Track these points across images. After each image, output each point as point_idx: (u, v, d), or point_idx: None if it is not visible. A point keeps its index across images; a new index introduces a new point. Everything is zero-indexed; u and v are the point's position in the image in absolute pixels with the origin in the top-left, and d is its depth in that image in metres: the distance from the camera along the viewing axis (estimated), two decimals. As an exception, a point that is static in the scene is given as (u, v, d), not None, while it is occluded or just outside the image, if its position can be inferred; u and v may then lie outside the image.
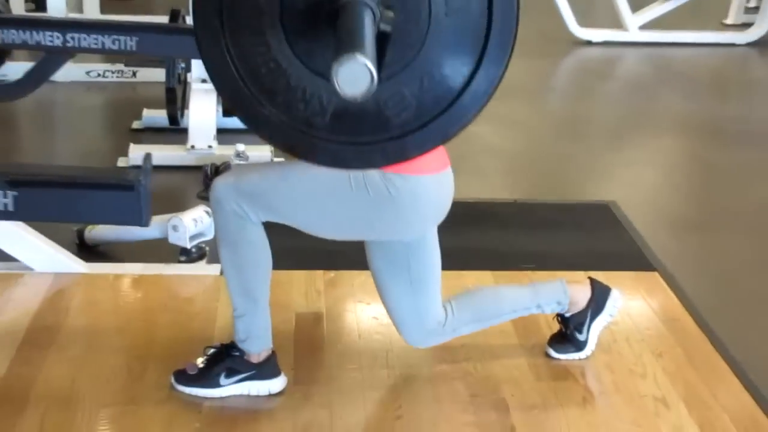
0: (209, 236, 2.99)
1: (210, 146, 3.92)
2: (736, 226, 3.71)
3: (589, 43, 6.31)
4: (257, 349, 2.32)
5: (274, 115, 1.53)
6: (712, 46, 6.27)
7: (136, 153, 3.90)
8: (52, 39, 2.63)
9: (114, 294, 2.85)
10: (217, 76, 1.51)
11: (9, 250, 2.82)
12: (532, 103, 5.25)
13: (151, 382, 2.41)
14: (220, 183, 2.17)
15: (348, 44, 1.29)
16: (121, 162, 3.92)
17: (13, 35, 2.63)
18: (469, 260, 3.07)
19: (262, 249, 2.24)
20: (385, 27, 1.45)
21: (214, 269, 2.96)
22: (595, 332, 2.52)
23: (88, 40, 2.65)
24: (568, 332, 2.53)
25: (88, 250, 3.16)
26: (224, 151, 3.89)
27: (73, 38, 2.63)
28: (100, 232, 3.18)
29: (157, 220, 3.04)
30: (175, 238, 2.98)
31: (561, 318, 2.53)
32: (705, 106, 5.34)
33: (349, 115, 1.53)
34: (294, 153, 1.61)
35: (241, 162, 3.59)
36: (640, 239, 3.34)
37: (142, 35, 2.71)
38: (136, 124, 4.33)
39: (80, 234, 3.21)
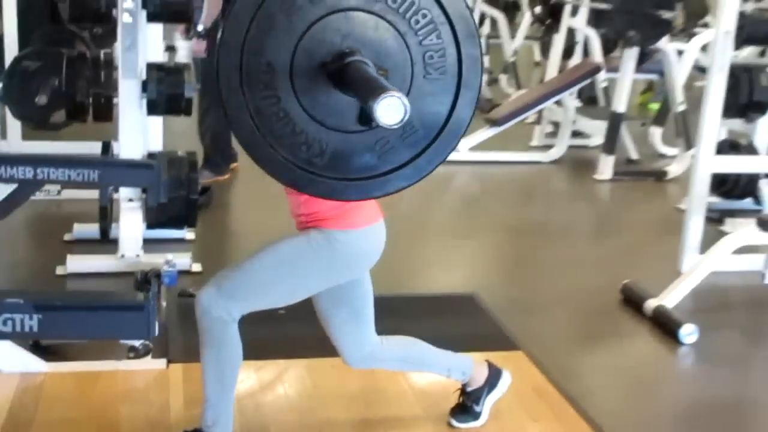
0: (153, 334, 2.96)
1: (137, 255, 3.86)
2: (566, 305, 3.91)
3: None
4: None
5: (281, 156, 1.63)
6: (524, 164, 6.62)
7: (73, 263, 3.81)
8: (24, 173, 2.59)
9: (77, 389, 2.73)
10: (236, 124, 1.59)
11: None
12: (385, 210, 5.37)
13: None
14: (204, 295, 2.19)
15: (377, 86, 1.40)
16: (60, 270, 3.80)
17: (-12, 170, 2.58)
18: None
19: (238, 346, 2.25)
20: None
21: (160, 363, 2.90)
22: (488, 405, 2.60)
23: (56, 173, 2.63)
24: (468, 404, 2.59)
25: (42, 350, 3.06)
26: (150, 259, 3.84)
27: (42, 172, 2.60)
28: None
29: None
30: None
31: (463, 392, 2.60)
32: (519, 212, 5.62)
33: (344, 157, 1.65)
34: (296, 187, 1.73)
35: (170, 269, 3.56)
36: (503, 324, 3.44)
37: (103, 169, 2.71)
38: (67, 237, 4.21)
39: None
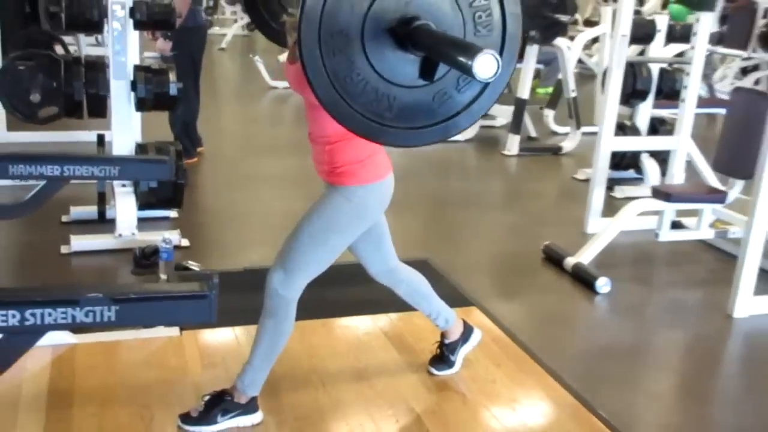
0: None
1: (133, 234, 3.72)
2: (500, 265, 3.97)
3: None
4: (252, 393, 2.27)
5: (357, 111, 1.58)
6: (442, 143, 6.57)
7: (76, 242, 3.64)
8: (53, 170, 2.46)
9: (104, 358, 2.63)
10: (317, 85, 1.53)
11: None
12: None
13: (160, 426, 2.28)
14: (275, 277, 2.18)
15: (467, 46, 1.40)
16: (64, 249, 3.62)
17: (21, 169, 2.44)
18: (335, 310, 3.09)
19: (293, 321, 2.24)
20: None
21: (174, 331, 2.80)
22: (461, 356, 2.63)
23: (81, 170, 2.50)
24: (445, 354, 2.61)
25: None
26: (144, 237, 3.72)
27: (69, 169, 2.47)
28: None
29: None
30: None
31: (441, 344, 2.61)
32: (444, 185, 5.61)
33: (408, 108, 1.62)
34: (369, 137, 1.67)
35: (167, 246, 3.44)
36: (457, 284, 3.45)
37: (122, 165, 2.58)
38: (65, 218, 4.00)
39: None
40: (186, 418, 2.25)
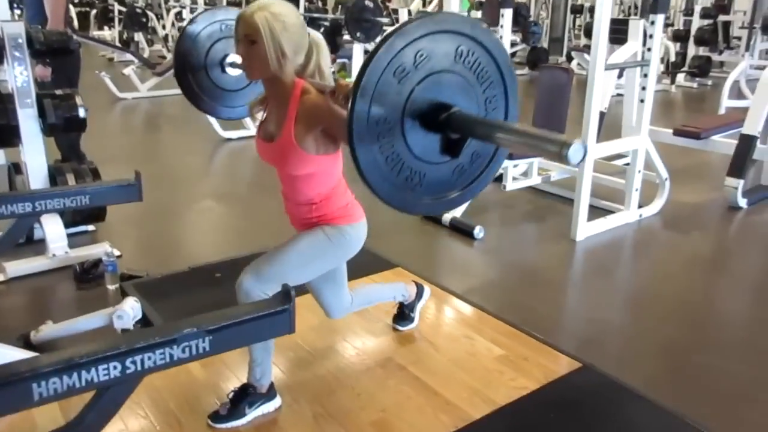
0: (139, 317, 2.48)
1: (66, 252, 3.18)
2: (394, 230, 3.88)
3: (229, 139, 6.01)
4: (267, 382, 2.03)
5: (394, 186, 1.44)
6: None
7: (12, 268, 3.03)
8: (24, 208, 2.00)
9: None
10: (367, 171, 1.37)
11: None
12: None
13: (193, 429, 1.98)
14: (246, 281, 1.85)
15: (550, 137, 1.26)
16: (0, 276, 3.03)
17: (-9, 211, 1.96)
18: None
19: None
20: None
21: (156, 337, 2.45)
22: (418, 311, 2.56)
23: (53, 203, 2.06)
24: (405, 312, 2.52)
25: (34, 349, 2.44)
26: (78, 253, 3.19)
27: (41, 204, 2.03)
28: (48, 332, 2.45)
29: (99, 314, 2.46)
30: (120, 324, 2.39)
31: (402, 305, 2.52)
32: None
33: (434, 182, 1.51)
34: (405, 210, 1.53)
35: (111, 259, 2.98)
36: (375, 250, 3.28)
37: (93, 193, 2.16)
38: (-16, 248, 3.33)
39: (26, 338, 2.46)
40: (216, 417, 1.98)
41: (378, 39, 5.93)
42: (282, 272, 1.86)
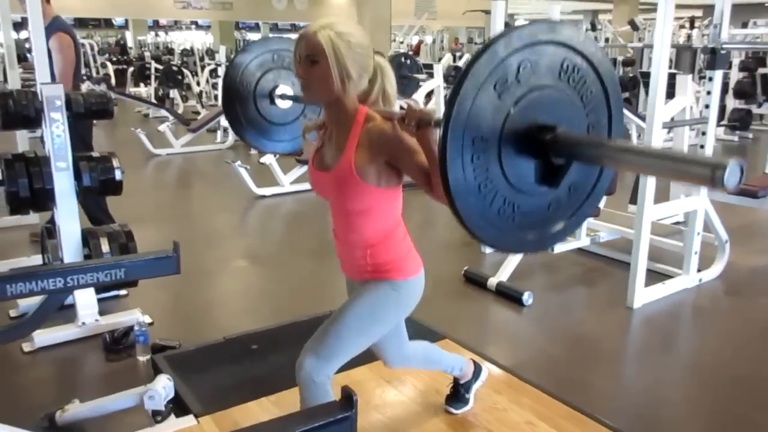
0: (171, 396, 2.30)
1: (96, 319, 3.04)
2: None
3: (263, 197, 5.92)
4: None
5: (485, 218, 1.25)
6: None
7: (39, 337, 2.89)
8: (56, 283, 1.86)
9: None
10: (456, 193, 1.19)
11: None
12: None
13: None
14: (306, 363, 1.66)
15: (700, 157, 1.05)
16: (27, 347, 2.87)
17: (21, 287, 1.82)
18: None
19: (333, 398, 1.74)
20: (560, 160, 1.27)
21: (189, 420, 2.25)
22: (473, 393, 2.33)
23: (86, 278, 1.91)
24: (461, 393, 2.30)
25: (59, 431, 2.27)
26: (108, 321, 3.05)
27: (72, 279, 1.88)
28: (74, 412, 2.29)
29: (129, 393, 2.29)
30: (151, 405, 2.23)
31: (456, 384, 2.30)
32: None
33: (528, 216, 1.31)
34: (495, 246, 1.36)
35: (143, 329, 2.83)
36: (418, 319, 3.11)
37: (128, 266, 2.02)
38: (13, 312, 3.21)
39: (51, 418, 2.29)
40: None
41: (414, 96, 5.87)
42: (343, 346, 1.69)
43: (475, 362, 2.34)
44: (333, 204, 1.71)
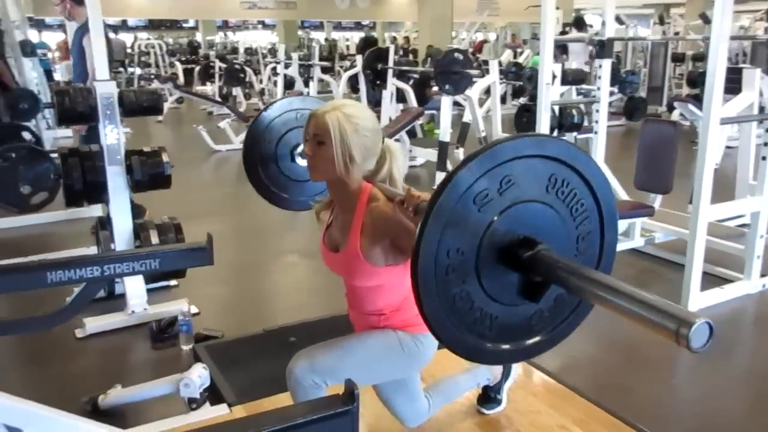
0: (207, 384, 2.35)
1: (145, 308, 3.15)
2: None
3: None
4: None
5: (460, 331, 1.17)
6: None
7: (90, 324, 3.02)
8: (93, 272, 1.92)
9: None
10: (428, 310, 1.13)
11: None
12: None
13: None
14: (297, 368, 1.66)
15: (669, 307, 0.97)
16: (79, 333, 3.01)
17: (60, 275, 1.89)
18: None
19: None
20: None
21: (222, 409, 2.30)
22: (505, 392, 2.28)
23: (121, 267, 1.97)
24: (491, 395, 2.24)
25: (100, 414, 2.36)
26: (155, 310, 3.15)
27: (109, 268, 1.95)
28: (116, 397, 2.38)
29: (167, 380, 2.36)
30: (187, 392, 2.29)
31: (486, 385, 2.25)
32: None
33: (508, 327, 1.22)
34: (471, 358, 1.24)
35: (186, 318, 2.90)
36: None
37: (163, 257, 2.06)
38: (70, 299, 3.34)
39: (94, 402, 2.39)
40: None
41: (467, 92, 5.79)
42: (339, 368, 1.67)
43: (504, 364, 2.28)
44: (345, 281, 1.75)
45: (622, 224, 3.90)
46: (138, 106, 3.14)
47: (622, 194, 4.40)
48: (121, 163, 3.10)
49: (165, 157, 3.21)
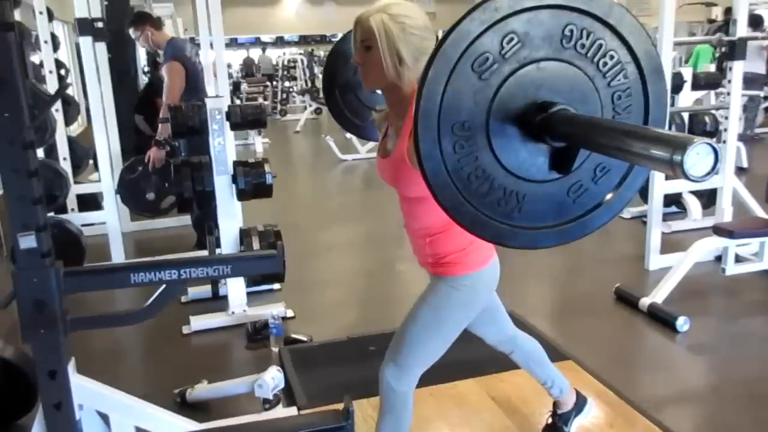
0: (281, 386, 2.45)
1: (244, 310, 3.35)
2: (571, 310, 3.44)
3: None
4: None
5: (483, 214, 1.10)
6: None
7: (195, 322, 3.28)
8: (171, 274, 2.09)
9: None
10: (437, 188, 1.07)
11: (143, 425, 2.16)
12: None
13: None
14: (387, 373, 1.67)
15: (668, 135, 0.87)
16: (185, 330, 3.28)
17: (141, 276, 2.08)
18: (439, 376, 2.39)
19: (411, 412, 1.72)
20: None
21: (292, 411, 2.39)
22: (574, 427, 2.13)
23: (197, 271, 2.12)
24: (558, 425, 2.11)
25: (187, 406, 2.55)
26: (254, 312, 3.34)
27: (185, 272, 2.10)
28: (201, 392, 2.56)
29: (244, 380, 2.49)
30: (260, 393, 2.40)
31: (554, 414, 2.12)
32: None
33: (540, 206, 1.13)
34: (500, 243, 1.15)
35: (276, 321, 3.05)
36: (544, 333, 2.88)
37: (234, 263, 2.19)
38: (184, 299, 3.66)
39: (182, 395, 2.59)
40: None
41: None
42: (418, 352, 1.66)
43: (578, 393, 2.14)
44: (397, 192, 1.69)
45: (754, 244, 3.50)
46: (243, 119, 3.36)
47: (756, 210, 3.96)
48: (228, 173, 3.33)
49: (267, 168, 3.40)
